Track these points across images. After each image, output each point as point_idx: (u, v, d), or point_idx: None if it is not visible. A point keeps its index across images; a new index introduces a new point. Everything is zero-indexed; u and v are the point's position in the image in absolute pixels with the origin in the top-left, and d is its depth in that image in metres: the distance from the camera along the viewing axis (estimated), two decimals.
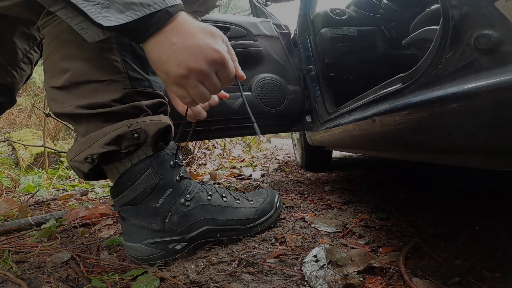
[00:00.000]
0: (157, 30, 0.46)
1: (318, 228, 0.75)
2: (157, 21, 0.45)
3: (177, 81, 0.48)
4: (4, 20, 0.71)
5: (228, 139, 3.85)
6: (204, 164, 2.82)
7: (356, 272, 0.51)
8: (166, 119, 0.60)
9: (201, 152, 2.95)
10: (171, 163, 0.62)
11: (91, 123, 0.55)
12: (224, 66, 0.50)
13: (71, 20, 0.48)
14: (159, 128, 0.57)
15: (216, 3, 0.88)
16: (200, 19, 0.93)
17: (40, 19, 0.56)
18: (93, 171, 0.56)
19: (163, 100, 0.63)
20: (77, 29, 0.48)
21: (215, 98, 0.73)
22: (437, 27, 0.48)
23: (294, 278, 0.51)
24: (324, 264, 0.53)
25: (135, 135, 0.55)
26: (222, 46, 0.50)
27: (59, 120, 2.66)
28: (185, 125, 1.26)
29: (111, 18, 0.43)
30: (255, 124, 0.56)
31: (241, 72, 0.56)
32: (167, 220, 0.59)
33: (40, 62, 0.83)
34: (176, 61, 0.46)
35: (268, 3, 1.50)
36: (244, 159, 3.11)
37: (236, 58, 0.56)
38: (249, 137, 4.76)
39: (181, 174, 0.63)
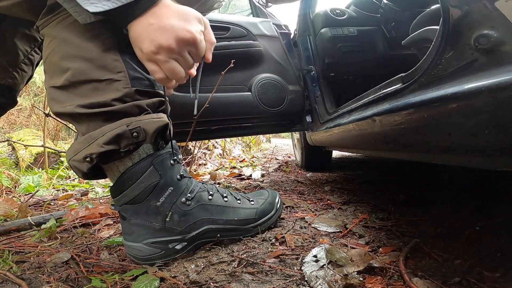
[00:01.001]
0: (140, 14, 0.51)
1: (318, 228, 0.75)
2: (140, 7, 0.50)
3: (149, 57, 0.53)
4: (5, 22, 0.71)
5: (228, 139, 3.85)
6: (204, 164, 2.82)
7: (356, 272, 0.51)
8: (164, 117, 0.60)
9: (201, 152, 2.95)
10: (171, 161, 0.62)
11: (91, 123, 0.55)
12: (195, 45, 0.55)
13: (65, 3, 0.50)
14: (158, 127, 0.57)
15: (214, 5, 0.88)
16: None
17: (39, 19, 0.56)
18: (93, 170, 0.56)
19: (163, 99, 0.63)
20: (70, 12, 0.51)
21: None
22: (437, 27, 0.48)
23: (294, 278, 0.51)
24: (324, 264, 0.53)
25: (134, 134, 0.55)
26: (196, 27, 0.55)
27: (59, 120, 2.66)
28: (185, 125, 1.26)
29: (97, 5, 0.47)
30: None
31: (208, 55, 0.60)
32: (167, 219, 0.59)
33: (40, 62, 0.83)
34: (149, 39, 0.51)
35: (269, 4, 1.51)
36: (244, 159, 3.11)
37: (213, 41, 0.61)
38: (249, 137, 4.76)
39: (181, 173, 0.63)
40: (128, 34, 0.54)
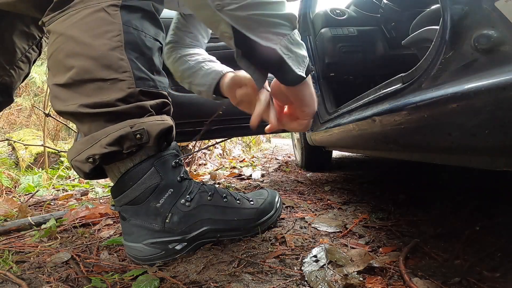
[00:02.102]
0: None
1: (318, 228, 0.75)
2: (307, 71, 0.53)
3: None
4: (3, 19, 0.71)
5: (228, 139, 3.84)
6: (204, 164, 2.82)
7: (356, 272, 0.51)
8: (168, 120, 0.60)
9: (201, 152, 2.95)
10: (173, 163, 0.61)
11: (94, 123, 0.55)
12: None
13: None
14: (161, 129, 0.57)
15: None
16: None
17: (46, 15, 0.56)
18: (94, 170, 0.56)
19: (167, 100, 0.63)
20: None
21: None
22: (437, 27, 0.48)
23: (294, 278, 0.51)
24: (324, 264, 0.53)
25: (138, 135, 0.54)
26: None
27: (59, 120, 2.66)
28: (185, 125, 1.26)
29: (300, 71, 0.50)
30: None
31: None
32: (167, 221, 0.59)
33: (39, 61, 0.83)
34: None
35: None
36: (244, 159, 3.11)
37: None
38: (249, 137, 4.76)
39: (182, 175, 0.63)
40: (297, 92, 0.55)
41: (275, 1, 0.46)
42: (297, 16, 0.49)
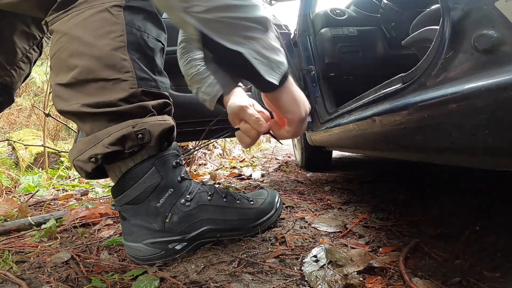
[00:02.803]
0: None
1: (318, 228, 0.75)
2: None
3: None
4: (4, 19, 0.71)
5: (228, 139, 3.85)
6: (204, 164, 2.82)
7: (356, 272, 0.51)
8: (170, 120, 0.60)
9: (201, 152, 2.95)
10: (174, 163, 0.62)
11: (96, 122, 0.55)
12: None
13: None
14: (163, 129, 0.57)
15: None
16: None
17: (49, 14, 0.56)
18: (96, 170, 0.56)
19: (168, 101, 0.63)
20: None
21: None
22: (437, 27, 0.48)
23: (294, 278, 0.51)
24: (324, 264, 0.53)
25: (140, 135, 0.55)
26: None
27: (59, 120, 2.66)
28: (185, 125, 1.26)
29: (273, 77, 0.49)
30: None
31: None
32: (167, 220, 0.59)
33: (39, 61, 0.83)
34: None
35: (273, 2, 1.50)
36: (244, 159, 3.11)
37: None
38: None
39: (182, 175, 0.63)
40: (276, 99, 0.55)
41: (245, 4, 0.44)
42: (270, 20, 0.48)
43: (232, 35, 0.45)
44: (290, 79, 0.54)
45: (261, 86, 0.52)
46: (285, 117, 0.57)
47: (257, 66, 0.47)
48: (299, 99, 0.55)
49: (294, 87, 0.55)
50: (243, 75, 0.50)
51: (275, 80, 0.49)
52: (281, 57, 0.50)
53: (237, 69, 0.50)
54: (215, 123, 1.25)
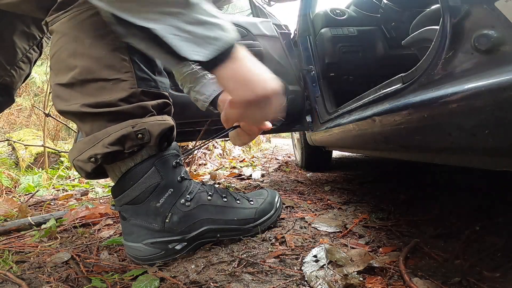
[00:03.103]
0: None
1: (318, 228, 0.75)
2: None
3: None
4: (4, 19, 0.71)
5: (228, 139, 3.84)
6: (204, 164, 2.82)
7: (356, 272, 0.51)
8: (169, 120, 0.60)
9: (201, 152, 2.95)
10: (173, 163, 0.62)
11: (96, 122, 0.55)
12: None
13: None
14: (163, 129, 0.57)
15: (223, 2, 0.87)
16: None
17: (49, 14, 0.56)
18: (96, 170, 0.56)
19: (168, 101, 0.63)
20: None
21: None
22: (437, 27, 0.48)
23: (294, 278, 0.51)
24: (324, 264, 0.53)
25: (139, 135, 0.55)
26: None
27: (59, 120, 2.66)
28: (185, 125, 1.26)
29: (199, 53, 0.45)
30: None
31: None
32: (167, 220, 0.59)
33: (39, 62, 0.83)
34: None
35: (272, 2, 1.50)
36: (244, 159, 3.11)
37: None
38: None
39: (182, 175, 0.63)
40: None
41: None
42: None
43: (144, 12, 0.43)
44: (239, 55, 0.49)
45: (176, 63, 0.47)
46: (232, 102, 0.53)
47: (174, 42, 0.44)
48: (249, 77, 0.49)
49: (243, 64, 0.49)
50: (160, 55, 0.46)
51: (200, 57, 0.45)
52: (216, 32, 0.46)
53: (151, 48, 0.47)
54: (214, 123, 1.25)
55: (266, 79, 0.50)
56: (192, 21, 0.44)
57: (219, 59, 0.47)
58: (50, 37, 0.67)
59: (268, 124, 0.60)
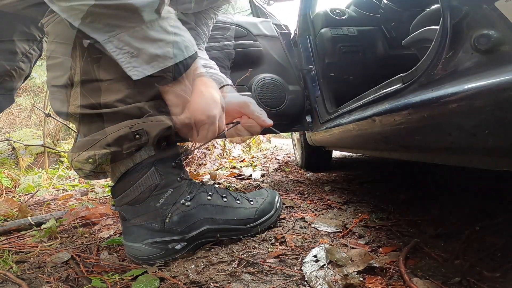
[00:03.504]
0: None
1: (318, 228, 0.75)
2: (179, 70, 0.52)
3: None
4: (4, 19, 0.71)
5: (228, 139, 3.84)
6: (204, 164, 2.82)
7: (356, 272, 0.51)
8: (167, 120, 0.60)
9: (201, 152, 2.95)
10: (173, 163, 0.62)
11: (93, 123, 0.55)
12: None
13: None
14: (161, 129, 0.57)
15: (223, 2, 0.87)
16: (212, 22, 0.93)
17: (45, 16, 0.56)
18: (94, 170, 0.56)
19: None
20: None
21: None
22: (437, 27, 0.48)
23: (294, 278, 0.51)
24: (324, 264, 0.53)
25: (137, 136, 0.55)
26: None
27: (58, 120, 2.66)
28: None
29: (138, 69, 0.49)
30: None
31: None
32: (167, 220, 0.59)
33: (39, 62, 0.83)
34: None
35: (272, 2, 1.51)
36: (244, 159, 3.11)
37: None
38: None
39: (182, 175, 0.63)
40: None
41: None
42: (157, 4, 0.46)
43: (94, 22, 0.44)
44: (189, 77, 0.53)
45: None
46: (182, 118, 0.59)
47: (116, 56, 0.46)
48: (187, 101, 0.54)
49: (185, 87, 0.53)
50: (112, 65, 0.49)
51: (135, 75, 0.48)
52: (165, 50, 0.48)
53: (99, 59, 0.49)
54: None
55: (205, 106, 0.56)
56: (141, 37, 0.46)
57: (163, 77, 0.50)
58: None
59: (269, 121, 0.61)
